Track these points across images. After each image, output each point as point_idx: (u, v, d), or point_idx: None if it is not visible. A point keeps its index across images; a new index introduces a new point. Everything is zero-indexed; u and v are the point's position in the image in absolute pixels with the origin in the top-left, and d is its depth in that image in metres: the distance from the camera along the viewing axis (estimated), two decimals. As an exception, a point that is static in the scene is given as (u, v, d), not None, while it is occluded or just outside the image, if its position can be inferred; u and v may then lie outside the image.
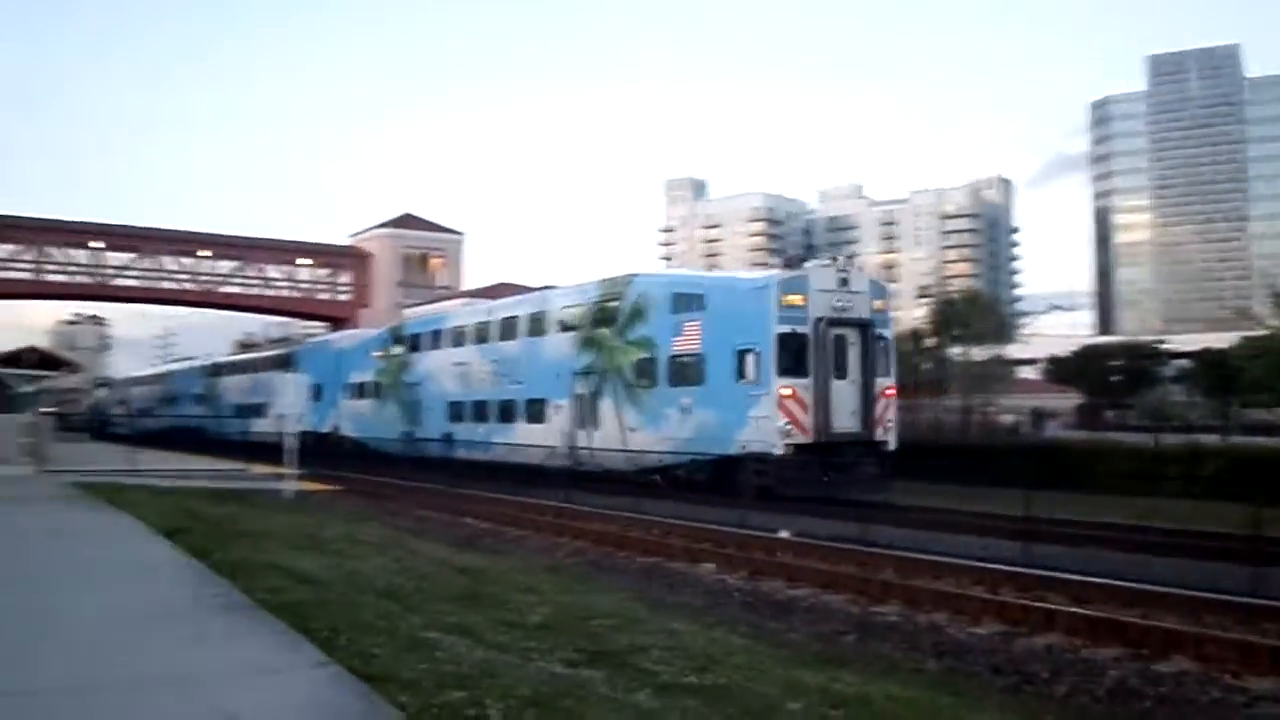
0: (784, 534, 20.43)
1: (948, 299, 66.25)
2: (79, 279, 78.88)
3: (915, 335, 64.01)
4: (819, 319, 27.44)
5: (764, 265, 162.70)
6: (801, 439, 26.96)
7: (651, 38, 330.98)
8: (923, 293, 79.86)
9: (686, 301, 30.44)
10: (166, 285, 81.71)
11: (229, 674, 7.31)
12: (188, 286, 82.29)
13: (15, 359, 40.71)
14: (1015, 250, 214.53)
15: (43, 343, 64.29)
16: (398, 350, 45.75)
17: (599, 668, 8.16)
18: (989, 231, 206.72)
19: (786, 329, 27.26)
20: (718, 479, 28.19)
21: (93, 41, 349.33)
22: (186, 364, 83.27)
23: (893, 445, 28.37)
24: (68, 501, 22.14)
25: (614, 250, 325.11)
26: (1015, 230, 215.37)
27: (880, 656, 11.49)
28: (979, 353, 56.94)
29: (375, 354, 47.57)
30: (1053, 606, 13.28)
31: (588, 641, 9.30)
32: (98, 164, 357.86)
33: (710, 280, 32.80)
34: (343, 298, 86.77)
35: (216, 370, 70.98)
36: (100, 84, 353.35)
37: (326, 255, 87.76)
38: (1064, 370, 71.80)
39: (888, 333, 29.21)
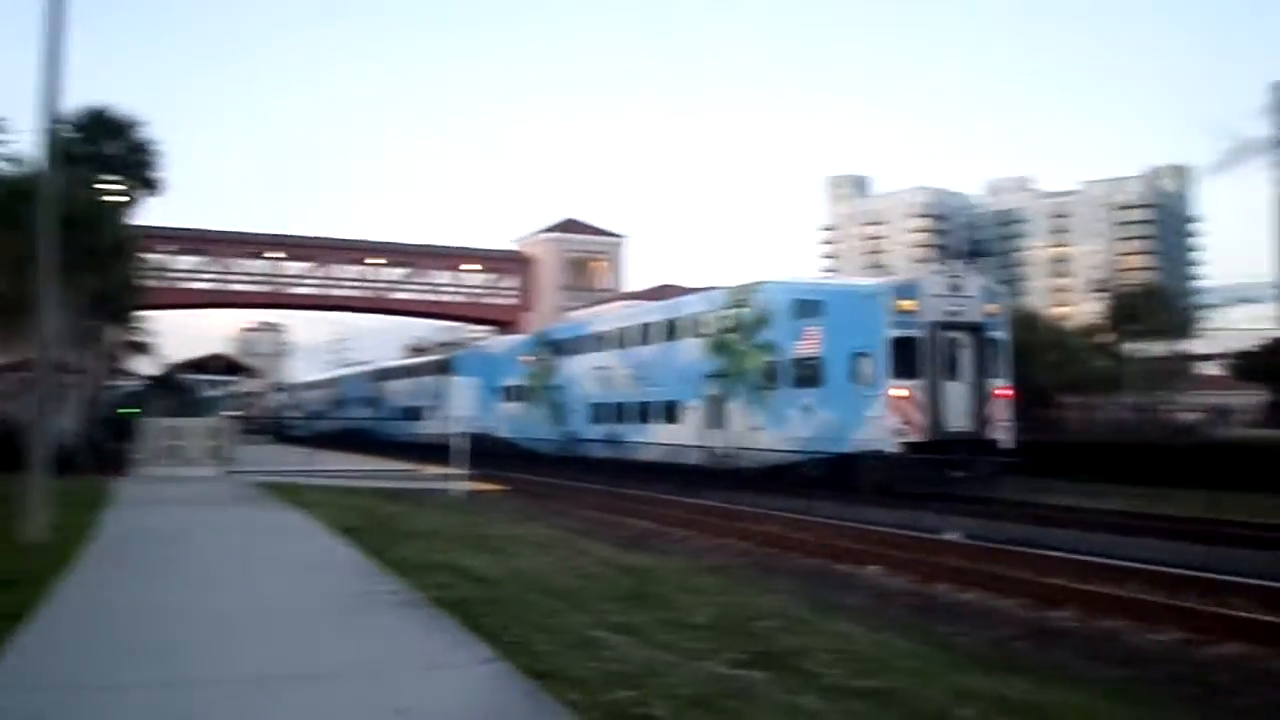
0: (952, 536, 20.05)
1: (1123, 293, 64.08)
2: (258, 288, 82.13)
3: (1088, 331, 62.10)
4: (931, 323, 28.86)
5: (926, 262, 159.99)
6: (914, 438, 28.31)
7: (812, 34, 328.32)
8: (1096, 287, 77.34)
9: (807, 308, 32.02)
10: (339, 292, 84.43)
11: (399, 668, 7.48)
12: (359, 293, 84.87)
13: (202, 365, 42.62)
14: (1194, 241, 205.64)
15: (225, 349, 67.30)
16: (544, 355, 48.34)
17: (764, 669, 8.12)
18: (1166, 222, 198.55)
19: (900, 333, 28.73)
20: (836, 476, 29.38)
21: (262, 52, 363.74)
22: (354, 369, 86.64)
23: (1008, 444, 29.27)
24: (251, 502, 23.08)
25: (775, 250, 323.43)
26: (1194, 220, 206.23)
27: (1054, 663, 11.17)
28: (1157, 348, 54.97)
29: (523, 359, 50.16)
30: (1238, 614, 12.70)
31: (752, 642, 9.27)
32: (272, 178, 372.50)
33: (830, 287, 34.51)
34: (508, 302, 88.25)
35: (381, 375, 74.05)
36: (270, 98, 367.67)
37: (492, 260, 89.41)
38: (1251, 366, 68.64)
39: (1001, 335, 30.30)
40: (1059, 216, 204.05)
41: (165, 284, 74.67)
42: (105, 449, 37.00)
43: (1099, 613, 13.59)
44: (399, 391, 67.94)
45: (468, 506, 25.66)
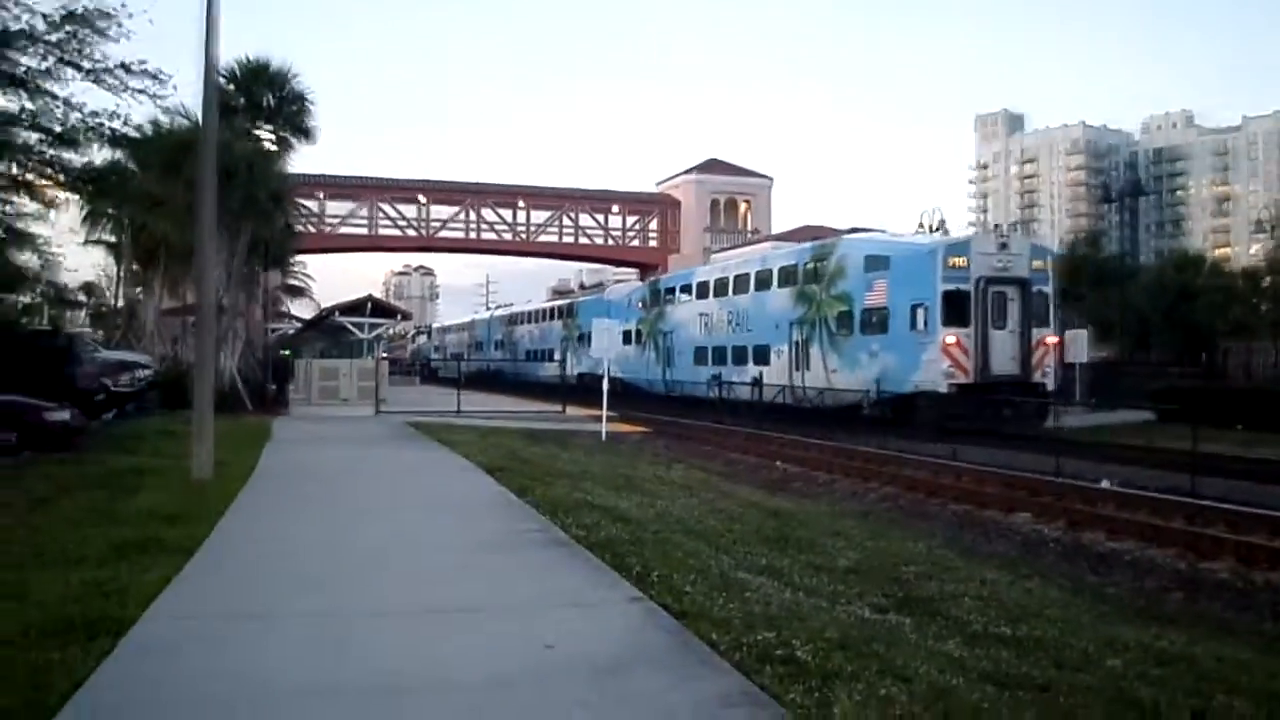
0: (1105, 484, 19.59)
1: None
2: (408, 232, 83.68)
3: (1248, 274, 59.65)
4: (980, 278, 32.17)
5: (1082, 202, 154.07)
6: (963, 379, 31.84)
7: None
8: (1259, 228, 73.92)
9: (876, 263, 35.34)
10: (487, 236, 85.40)
11: (546, 605, 7.64)
12: (506, 237, 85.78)
13: (355, 308, 43.71)
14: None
15: (377, 292, 68.99)
16: (655, 302, 52.31)
17: (908, 614, 8.09)
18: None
19: (951, 287, 32.17)
20: (898, 414, 32.75)
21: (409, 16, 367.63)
22: (489, 313, 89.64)
23: (1050, 387, 32.94)
24: (401, 440, 23.73)
25: (923, 189, 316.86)
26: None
27: (1209, 616, 10.88)
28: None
29: (638, 305, 53.93)
30: None
31: (896, 587, 9.23)
32: (421, 122, 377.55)
33: (895, 244, 37.25)
34: (652, 244, 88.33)
35: (513, 319, 77.49)
36: (421, 44, 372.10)
37: (636, 203, 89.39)
38: None
39: (1047, 289, 33.52)
40: (1221, 154, 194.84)
41: (319, 229, 76.91)
42: (264, 389, 38.43)
43: (1255, 565, 13.16)
44: (528, 335, 71.86)
45: (612, 448, 25.98)
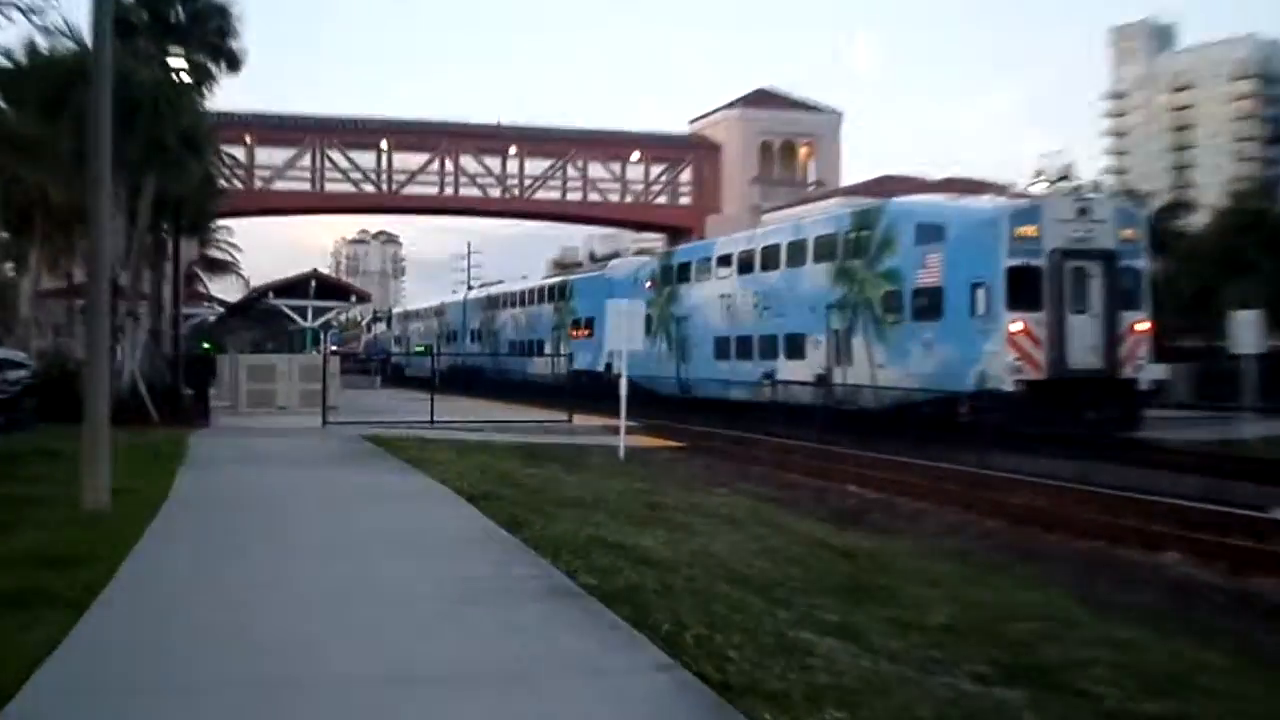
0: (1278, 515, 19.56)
1: None
2: (365, 188, 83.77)
3: None
4: (1055, 250, 32.90)
5: (1251, 141, 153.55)
6: (1033, 375, 32.44)
7: None
8: None
9: (929, 232, 36.46)
10: (467, 193, 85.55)
11: (549, 673, 7.65)
12: (493, 194, 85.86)
13: (296, 288, 43.88)
14: None
15: (325, 267, 69.34)
16: (667, 281, 53.74)
17: (1021, 686, 8.08)
18: None
19: (1018, 262, 32.94)
20: (954, 417, 33.73)
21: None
22: (463, 295, 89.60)
23: (1145, 385, 33.56)
24: (358, 460, 23.84)
25: (1041, 128, 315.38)
26: None
27: None
28: None
29: (646, 285, 54.76)
30: None
31: (1006, 652, 9.21)
32: (382, 51, 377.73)
33: (951, 209, 38.21)
34: (684, 201, 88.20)
35: (493, 303, 77.48)
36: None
37: (662, 148, 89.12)
38: None
39: (1140, 264, 34.49)
40: None
41: (248, 185, 77.22)
42: (177, 394, 38.56)
43: None
44: (512, 322, 72.42)
45: (631, 468, 25.99)
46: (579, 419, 36.67)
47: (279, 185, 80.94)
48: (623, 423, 30.17)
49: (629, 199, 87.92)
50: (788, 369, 42.39)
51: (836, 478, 27.02)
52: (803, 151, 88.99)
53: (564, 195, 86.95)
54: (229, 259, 76.26)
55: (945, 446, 30.97)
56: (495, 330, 75.73)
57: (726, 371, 46.21)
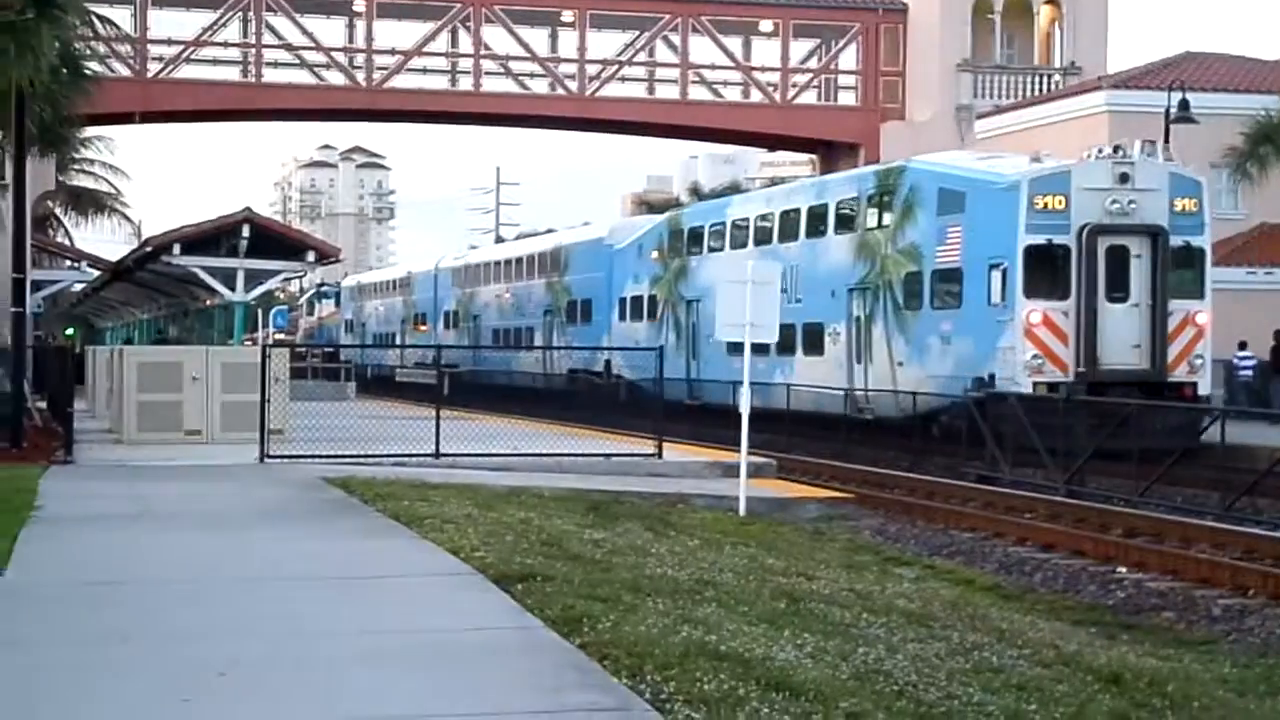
0: None
1: None
2: (329, 77, 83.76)
3: None
4: (1087, 225, 39.38)
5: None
6: (1058, 376, 39.18)
7: None
8: None
9: (951, 201, 43.92)
10: (494, 86, 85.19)
11: None
12: (536, 87, 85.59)
13: (214, 240, 43.91)
14: None
15: (267, 205, 69.45)
16: (676, 250, 62.45)
17: None
18: None
19: (1039, 239, 39.84)
20: (976, 426, 39.86)
21: None
22: (434, 265, 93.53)
23: (1204, 389, 40.63)
24: (320, 517, 23.99)
25: None
26: None
27: None
28: None
29: (652, 255, 63.89)
30: None
31: None
32: None
33: (975, 173, 45.23)
34: (847, 100, 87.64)
35: (471, 275, 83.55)
36: None
37: (811, 12, 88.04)
38: None
39: (1200, 241, 41.37)
40: None
41: (139, 71, 77.57)
42: (21, 407, 38.52)
43: None
44: (495, 302, 78.58)
45: (757, 529, 25.95)
46: (679, 450, 36.81)
47: (187, 72, 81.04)
48: (744, 459, 30.06)
49: (756, 97, 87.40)
50: (805, 368, 50.06)
51: (1101, 553, 27.11)
52: (1044, 14, 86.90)
53: (651, 91, 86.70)
54: (107, 191, 76.70)
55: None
56: (475, 313, 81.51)
57: (737, 371, 47.64)
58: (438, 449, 34.54)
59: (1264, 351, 56.43)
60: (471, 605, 15.59)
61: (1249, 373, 57.21)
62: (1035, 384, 37.85)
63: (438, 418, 36.37)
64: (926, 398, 43.16)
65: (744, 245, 54.86)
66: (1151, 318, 38.44)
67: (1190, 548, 27.00)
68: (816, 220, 50.59)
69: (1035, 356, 37.84)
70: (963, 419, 40.86)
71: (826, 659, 13.34)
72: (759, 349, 46.94)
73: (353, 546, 20.41)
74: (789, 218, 52.80)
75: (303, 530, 22.03)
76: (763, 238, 54.12)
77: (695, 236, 60.32)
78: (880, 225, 46.22)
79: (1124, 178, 39.38)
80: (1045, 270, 38.30)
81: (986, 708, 12.00)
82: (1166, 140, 55.11)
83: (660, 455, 36.27)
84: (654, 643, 13.08)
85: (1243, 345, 57.65)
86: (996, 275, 39.48)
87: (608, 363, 65.11)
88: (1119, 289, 38.41)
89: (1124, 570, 25.60)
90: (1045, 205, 38.47)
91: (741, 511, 28.17)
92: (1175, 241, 38.87)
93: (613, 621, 14.05)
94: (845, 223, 48.76)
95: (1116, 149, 42.09)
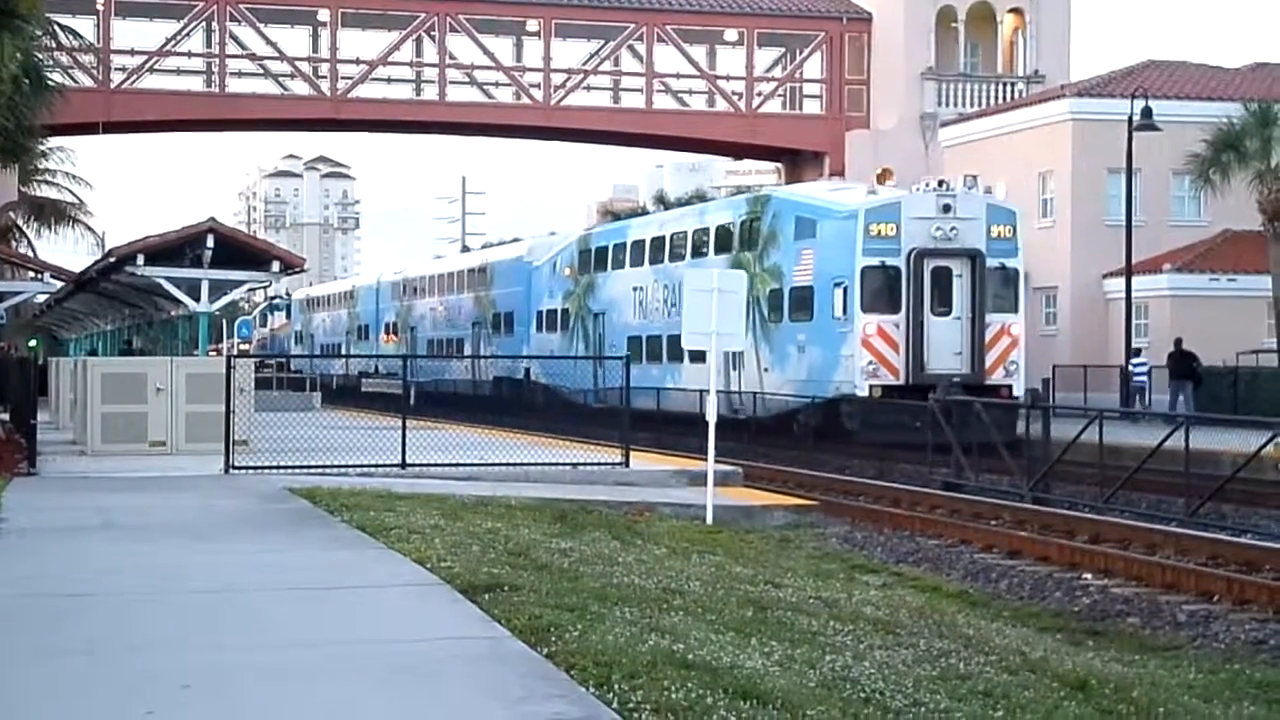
0: None
1: None
2: (295, 87, 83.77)
3: None
4: (914, 250, 47.18)
5: None
6: (890, 380, 47.03)
7: None
8: None
9: (805, 227, 52.01)
10: (460, 96, 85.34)
11: None
12: (502, 97, 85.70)
13: (178, 250, 43.80)
14: None
15: (232, 216, 69.41)
16: (585, 268, 69.84)
17: None
18: None
19: (874, 261, 47.54)
20: (827, 424, 49.13)
21: None
22: (377, 279, 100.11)
23: (1018, 390, 47.63)
24: (286, 527, 24.03)
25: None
26: None
27: None
28: None
29: (565, 272, 71.84)
30: None
31: None
32: None
33: (824, 202, 53.13)
34: (812, 108, 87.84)
35: (409, 288, 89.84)
36: None
37: (776, 21, 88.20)
38: None
39: (1014, 263, 49.34)
40: None
41: (102, 82, 77.49)
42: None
43: None
44: (430, 314, 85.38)
45: (724, 537, 26.01)
46: (647, 458, 36.99)
47: (151, 82, 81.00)
48: (710, 467, 30.04)
49: (721, 106, 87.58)
50: (691, 375, 54.35)
51: (1068, 559, 27.34)
52: (1008, 24, 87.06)
53: (616, 100, 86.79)
54: (70, 201, 76.70)
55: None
56: (411, 325, 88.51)
57: (637, 377, 52.98)
58: (404, 459, 34.55)
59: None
60: (439, 615, 15.55)
61: (1143, 378, 63.42)
62: (871, 387, 45.33)
63: (404, 428, 36.43)
64: (785, 399, 51.45)
65: (641, 264, 63.79)
66: (971, 329, 46.32)
67: (1155, 553, 27.17)
68: (700, 243, 59.16)
69: (870, 363, 45.44)
70: (815, 418, 48.98)
71: (794, 667, 13.37)
72: (655, 354, 58.89)
73: (319, 557, 20.41)
74: (677, 240, 61.34)
75: (269, 541, 22.05)
76: (656, 258, 62.32)
77: (601, 255, 68.15)
78: (750, 247, 54.18)
79: (947, 208, 47.22)
80: (880, 288, 45.65)
81: (953, 715, 12.05)
82: (1129, 147, 61.43)
83: (627, 464, 36.25)
84: (621, 651, 13.11)
85: (1137, 352, 64.73)
86: (839, 292, 47.00)
87: (527, 370, 72.11)
88: (943, 304, 45.95)
89: (1089, 577, 25.72)
90: (879, 232, 46.29)
91: (709, 520, 28.15)
92: (992, 263, 46.74)
93: (580, 631, 14.07)
94: (723, 245, 56.86)
95: (941, 183, 49.56)
